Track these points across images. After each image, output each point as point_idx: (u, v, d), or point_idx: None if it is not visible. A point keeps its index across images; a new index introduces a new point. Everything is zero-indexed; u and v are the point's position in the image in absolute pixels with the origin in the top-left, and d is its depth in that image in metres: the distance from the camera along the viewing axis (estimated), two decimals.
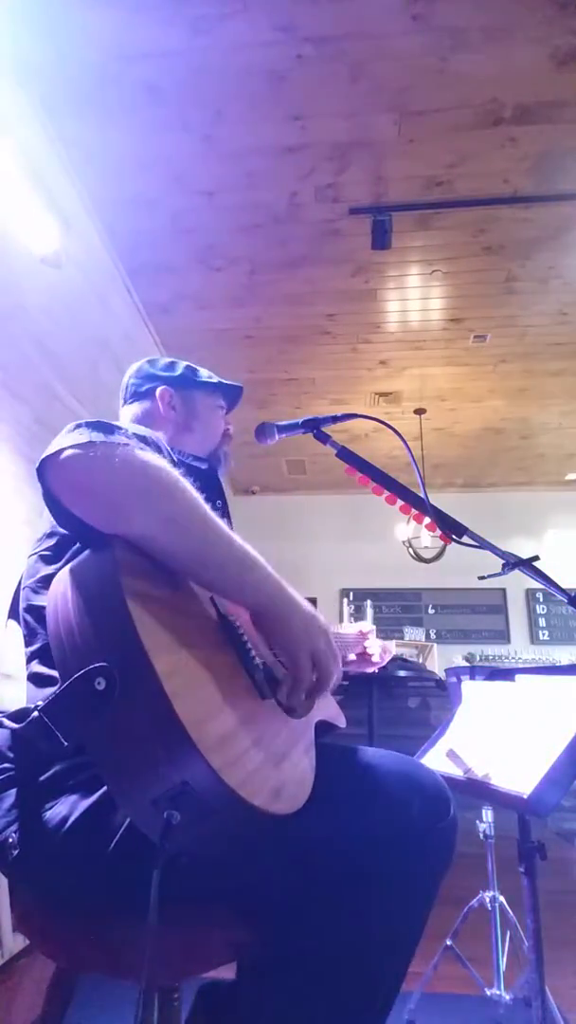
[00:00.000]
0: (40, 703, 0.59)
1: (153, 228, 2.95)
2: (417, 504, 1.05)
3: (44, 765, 0.73)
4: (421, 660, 4.74)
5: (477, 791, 1.03)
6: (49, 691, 0.67)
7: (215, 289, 3.41)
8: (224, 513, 1.04)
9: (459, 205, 2.82)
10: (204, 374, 1.18)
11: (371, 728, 3.23)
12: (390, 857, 0.69)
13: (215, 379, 1.19)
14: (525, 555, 1.01)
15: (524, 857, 1.15)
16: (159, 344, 3.82)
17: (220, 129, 2.45)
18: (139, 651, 0.56)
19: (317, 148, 2.55)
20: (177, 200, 2.80)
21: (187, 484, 0.71)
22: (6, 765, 0.77)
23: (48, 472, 0.69)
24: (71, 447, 0.68)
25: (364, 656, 1.28)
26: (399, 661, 3.66)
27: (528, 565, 0.99)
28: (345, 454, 1.09)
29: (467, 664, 4.99)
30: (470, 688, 1.36)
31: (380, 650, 1.29)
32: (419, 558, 5.21)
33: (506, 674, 1.43)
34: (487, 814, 1.62)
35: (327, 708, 0.96)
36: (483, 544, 1.01)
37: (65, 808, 0.70)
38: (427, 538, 5.03)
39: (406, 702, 3.90)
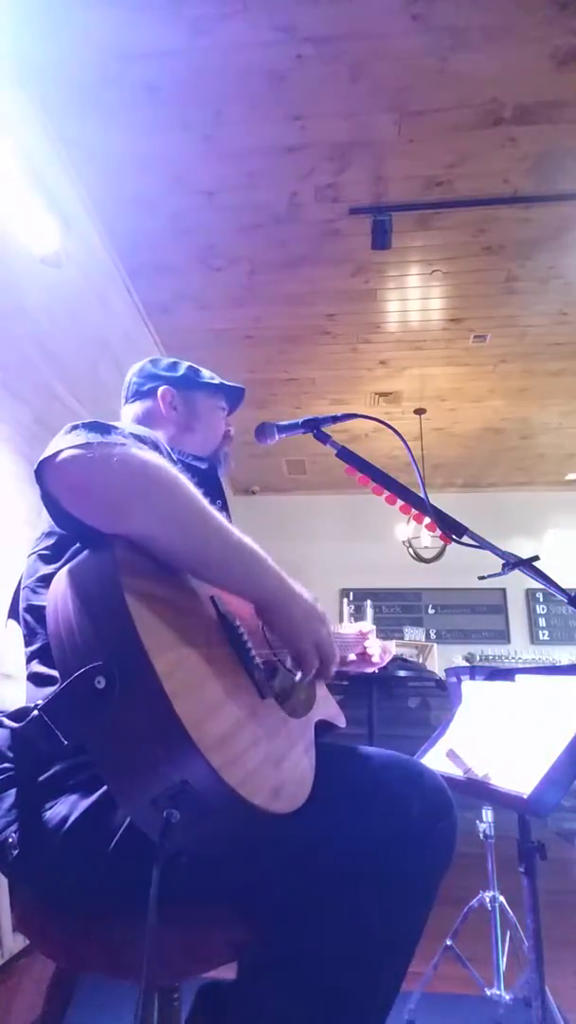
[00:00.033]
0: (40, 702, 0.59)
1: (153, 228, 2.95)
2: (417, 504, 1.05)
3: (44, 765, 0.73)
4: (421, 660, 4.74)
5: (477, 791, 1.03)
6: (49, 691, 0.67)
7: (215, 289, 3.41)
8: (224, 512, 1.04)
9: (459, 205, 2.82)
10: (206, 375, 1.19)
11: (371, 728, 3.23)
12: (390, 857, 0.69)
13: (217, 380, 1.19)
14: (525, 555, 1.01)
15: (524, 857, 1.15)
16: (159, 344, 3.82)
17: (220, 129, 2.45)
18: (139, 650, 0.56)
19: (317, 148, 2.55)
20: (177, 200, 2.80)
21: (186, 480, 0.71)
22: (6, 765, 0.77)
23: (46, 475, 0.68)
24: (68, 449, 0.67)
25: (364, 656, 1.28)
26: (399, 661, 3.66)
27: (528, 565, 0.99)
28: (345, 454, 1.09)
29: (467, 664, 4.99)
30: (470, 688, 1.36)
31: (380, 650, 1.29)
32: (419, 558, 5.21)
33: (506, 674, 1.43)
34: (487, 814, 1.62)
35: (327, 708, 0.96)
36: (483, 544, 1.01)
37: (65, 808, 0.70)
38: (427, 538, 5.03)
39: (406, 702, 3.90)
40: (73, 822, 0.68)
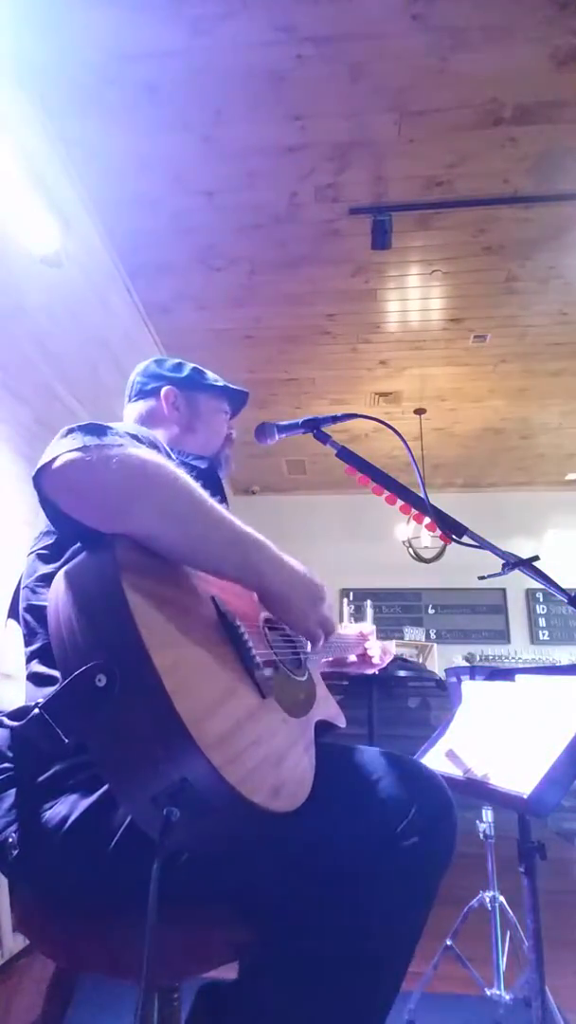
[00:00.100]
0: (41, 700, 0.59)
1: (153, 228, 2.95)
2: (417, 504, 1.05)
3: (44, 765, 0.73)
4: (421, 660, 4.74)
5: (477, 791, 1.03)
6: (49, 690, 0.67)
7: (215, 289, 3.41)
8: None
9: (459, 205, 2.82)
10: (211, 377, 1.19)
11: (371, 728, 3.23)
12: (390, 857, 0.69)
13: (221, 383, 1.19)
14: (525, 555, 1.01)
15: (524, 857, 1.15)
16: (159, 344, 3.82)
17: (220, 129, 2.45)
18: (139, 648, 0.56)
19: (317, 148, 2.55)
20: (177, 200, 2.80)
21: (184, 475, 0.72)
22: (6, 765, 0.77)
23: (44, 480, 0.68)
24: (65, 453, 0.67)
25: (364, 657, 1.28)
26: (399, 661, 3.65)
27: (528, 565, 0.99)
28: (345, 454, 1.09)
29: (467, 664, 4.99)
30: (470, 688, 1.36)
31: (380, 651, 1.29)
32: (419, 558, 5.20)
33: (506, 674, 1.43)
34: (487, 814, 1.62)
35: (327, 708, 0.96)
36: (483, 544, 1.01)
37: (65, 808, 0.70)
38: (427, 538, 5.03)
39: (406, 702, 3.90)
40: (73, 822, 0.68)
